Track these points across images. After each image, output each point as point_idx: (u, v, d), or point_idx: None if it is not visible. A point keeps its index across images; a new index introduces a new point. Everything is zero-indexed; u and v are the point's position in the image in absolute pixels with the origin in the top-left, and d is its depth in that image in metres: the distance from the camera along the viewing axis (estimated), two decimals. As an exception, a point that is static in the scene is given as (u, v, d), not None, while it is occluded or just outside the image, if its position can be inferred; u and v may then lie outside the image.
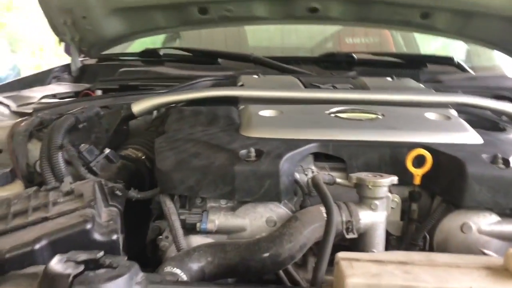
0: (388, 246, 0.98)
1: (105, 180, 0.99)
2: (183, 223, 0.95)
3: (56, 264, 0.68)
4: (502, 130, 1.19)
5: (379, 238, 0.91)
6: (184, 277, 0.77)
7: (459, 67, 2.08)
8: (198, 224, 0.95)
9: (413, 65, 2.09)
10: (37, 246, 0.79)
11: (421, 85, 1.50)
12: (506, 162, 0.93)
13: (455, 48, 2.63)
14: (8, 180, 1.08)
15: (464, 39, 2.17)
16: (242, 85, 1.41)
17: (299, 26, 2.94)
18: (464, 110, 1.27)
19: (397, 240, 1.01)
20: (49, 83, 1.98)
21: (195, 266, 0.82)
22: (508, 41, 1.95)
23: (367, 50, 2.70)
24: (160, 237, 1.01)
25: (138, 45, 2.40)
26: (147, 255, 1.05)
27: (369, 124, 1.07)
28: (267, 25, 2.40)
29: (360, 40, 2.99)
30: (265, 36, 2.98)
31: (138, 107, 1.24)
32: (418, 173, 0.93)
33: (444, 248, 0.95)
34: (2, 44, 5.01)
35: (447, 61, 2.11)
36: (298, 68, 1.91)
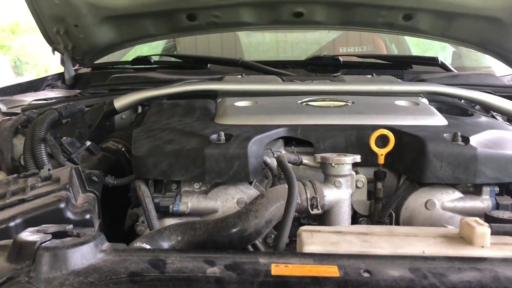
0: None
1: (82, 167, 1.03)
2: (157, 206, 0.99)
3: (26, 234, 0.72)
4: (470, 115, 1.22)
5: (344, 214, 0.94)
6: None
7: (443, 66, 2.11)
8: (171, 206, 0.98)
9: (398, 66, 2.13)
10: (11, 224, 0.83)
11: (400, 80, 1.54)
12: (465, 139, 0.97)
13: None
14: (-8, 171, 1.12)
15: (447, 40, 2.21)
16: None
17: (294, 37, 3.01)
18: (437, 99, 1.30)
19: (367, 222, 1.04)
20: (42, 90, 2.04)
21: (165, 244, 0.85)
22: (488, 40, 1.99)
23: (361, 59, 2.74)
24: (137, 223, 1.05)
25: (134, 54, 2.46)
26: (127, 242, 1.08)
27: (337, 110, 1.11)
28: (256, 31, 2.45)
29: (354, 49, 3.03)
30: (260, 49, 3.04)
31: (120, 102, 1.29)
32: (381, 152, 0.96)
33: (410, 225, 0.98)
34: (4, 66, 5.09)
35: (431, 61, 2.14)
36: (285, 71, 1.96)
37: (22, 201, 0.89)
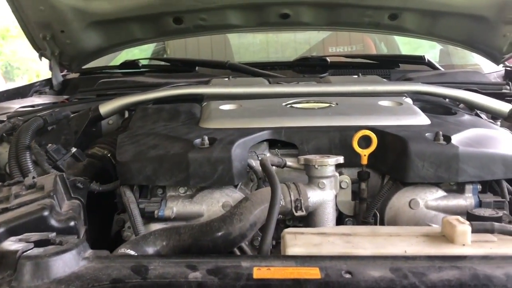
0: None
1: (68, 174, 1.03)
2: (143, 212, 0.99)
3: (8, 243, 0.72)
4: (454, 114, 1.23)
5: (329, 215, 0.95)
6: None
7: (430, 65, 2.13)
8: (156, 212, 0.98)
9: (385, 66, 2.14)
10: (-5, 232, 0.83)
11: (385, 80, 1.55)
12: (447, 138, 0.97)
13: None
14: (-23, 180, 1.11)
15: (433, 39, 2.23)
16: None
17: (284, 39, 3.02)
18: (421, 98, 1.31)
19: (353, 222, 1.04)
20: (30, 96, 2.03)
21: (150, 249, 0.85)
22: (474, 38, 2.01)
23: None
24: (124, 229, 1.05)
25: (123, 58, 2.45)
26: (115, 248, 1.09)
27: (321, 112, 1.12)
28: (244, 33, 2.46)
29: (344, 48, 3.04)
30: (250, 50, 3.04)
31: (105, 108, 1.29)
32: (364, 153, 0.97)
33: (394, 224, 0.98)
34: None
35: (418, 60, 2.16)
36: (273, 72, 1.96)
37: (6, 210, 0.89)
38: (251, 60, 2.89)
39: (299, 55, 2.78)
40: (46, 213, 0.86)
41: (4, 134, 1.25)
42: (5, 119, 1.46)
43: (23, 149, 1.13)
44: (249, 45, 3.06)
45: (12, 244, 0.71)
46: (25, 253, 0.68)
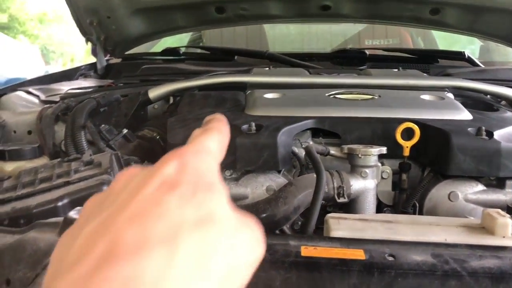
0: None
1: (121, 153, 1.09)
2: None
3: (73, 212, 0.79)
4: (496, 110, 1.24)
5: (369, 204, 0.98)
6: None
7: (470, 61, 2.11)
8: (203, 192, 1.03)
9: (424, 60, 2.14)
10: (59, 203, 0.90)
11: (426, 75, 1.56)
12: (489, 134, 0.99)
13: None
14: (36, 155, 1.19)
15: (474, 34, 2.21)
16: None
17: (319, 30, 3.02)
18: (462, 94, 1.32)
19: (390, 212, 1.07)
20: (76, 80, 2.12)
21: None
22: (517, 35, 1.99)
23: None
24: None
25: (163, 45, 2.52)
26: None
27: (364, 103, 1.15)
28: (283, 23, 2.48)
29: (380, 42, 3.03)
30: (285, 41, 3.05)
31: (154, 92, 1.35)
32: (407, 145, 1.00)
33: (432, 215, 1.01)
34: (35, 53, 5.24)
35: (457, 55, 2.15)
36: (311, 63, 1.99)
37: (67, 183, 0.96)
38: (286, 51, 2.92)
39: (334, 47, 2.80)
40: (105, 187, 0.92)
41: (59, 114, 1.33)
42: (57, 100, 1.55)
43: (79, 128, 1.20)
44: (284, 35, 3.08)
45: (77, 214, 0.78)
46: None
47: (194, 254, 0.29)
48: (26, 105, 1.53)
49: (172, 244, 0.28)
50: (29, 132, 1.34)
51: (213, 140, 0.39)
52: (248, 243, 0.33)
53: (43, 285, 0.32)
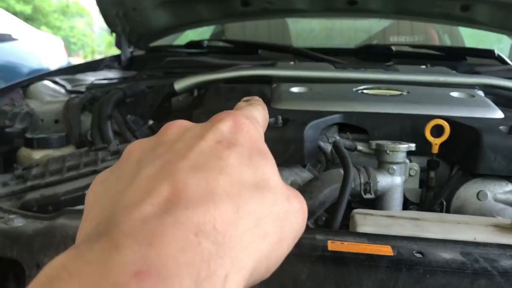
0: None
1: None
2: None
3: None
4: (528, 109, 1.21)
5: (396, 200, 0.97)
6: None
7: (499, 59, 2.06)
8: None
9: (452, 58, 2.10)
10: (87, 191, 0.91)
11: (454, 72, 1.53)
12: (522, 133, 0.97)
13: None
14: (63, 143, 1.21)
15: (506, 32, 2.16)
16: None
17: (343, 25, 2.99)
18: (493, 92, 1.29)
19: (417, 209, 1.06)
20: (101, 71, 2.14)
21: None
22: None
23: (411, 48, 2.70)
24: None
25: (185, 39, 2.53)
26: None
27: (393, 99, 1.13)
28: (309, 18, 2.46)
29: (405, 38, 2.98)
30: (309, 36, 3.03)
31: (180, 84, 1.35)
32: (436, 142, 0.98)
33: (460, 214, 0.99)
34: (59, 45, 5.32)
35: (487, 53, 2.10)
36: (336, 58, 1.97)
37: (95, 172, 0.97)
38: (309, 45, 2.90)
39: (358, 43, 2.77)
40: (130, 177, 0.93)
41: (85, 104, 1.34)
42: (83, 90, 1.56)
43: (105, 118, 1.22)
44: (308, 31, 3.05)
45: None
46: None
47: (255, 214, 0.29)
48: (53, 94, 1.55)
49: (238, 201, 0.29)
50: (56, 121, 1.36)
51: (259, 111, 0.40)
52: (297, 214, 0.33)
53: (78, 233, 0.32)
